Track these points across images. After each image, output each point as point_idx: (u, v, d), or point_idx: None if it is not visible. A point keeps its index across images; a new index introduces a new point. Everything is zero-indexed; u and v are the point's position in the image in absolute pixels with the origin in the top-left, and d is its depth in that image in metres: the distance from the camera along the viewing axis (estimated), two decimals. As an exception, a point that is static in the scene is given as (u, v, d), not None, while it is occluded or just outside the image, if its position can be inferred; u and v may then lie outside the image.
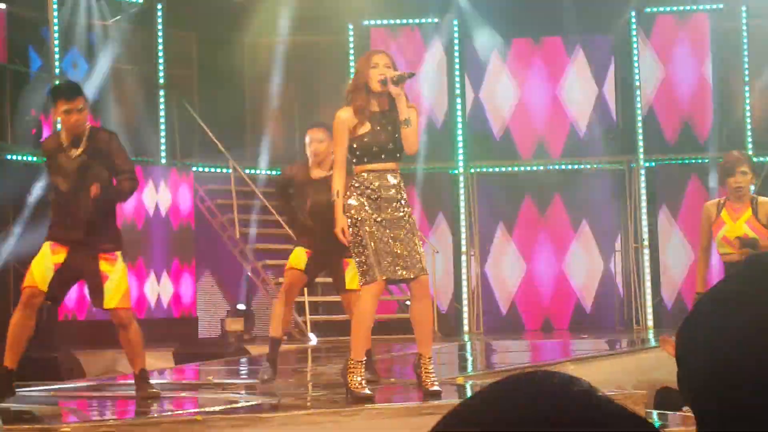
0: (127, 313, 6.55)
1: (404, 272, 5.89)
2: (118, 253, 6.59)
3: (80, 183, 6.49)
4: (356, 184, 5.94)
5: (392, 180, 5.96)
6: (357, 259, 5.91)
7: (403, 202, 5.98)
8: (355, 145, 5.94)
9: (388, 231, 5.89)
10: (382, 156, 5.94)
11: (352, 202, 5.91)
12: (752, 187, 7.31)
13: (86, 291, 6.68)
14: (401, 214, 5.94)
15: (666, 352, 7.92)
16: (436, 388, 6.00)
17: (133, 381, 6.70)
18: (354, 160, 6.01)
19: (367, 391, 5.90)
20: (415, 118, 5.96)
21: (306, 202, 7.32)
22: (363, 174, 5.95)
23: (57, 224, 6.53)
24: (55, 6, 13.49)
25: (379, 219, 5.89)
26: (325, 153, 7.26)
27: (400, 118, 5.90)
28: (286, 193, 7.59)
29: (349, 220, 5.91)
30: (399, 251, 5.87)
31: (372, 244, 5.84)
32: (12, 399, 6.34)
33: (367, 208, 5.88)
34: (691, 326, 1.13)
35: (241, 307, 13.49)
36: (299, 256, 7.31)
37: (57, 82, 12.17)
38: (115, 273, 6.52)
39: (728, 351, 1.07)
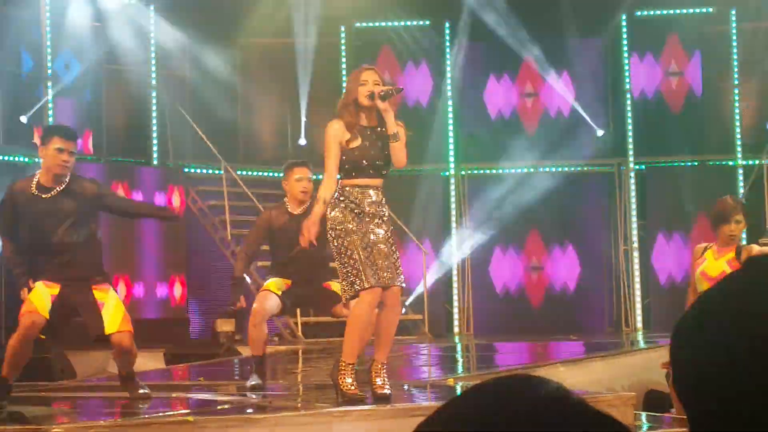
0: (131, 336, 6.49)
1: (389, 278, 5.92)
2: (109, 284, 6.62)
3: (62, 222, 6.45)
4: (340, 198, 5.98)
5: (374, 196, 6.00)
6: (344, 270, 5.91)
7: (385, 218, 6.03)
8: (344, 158, 5.98)
9: (371, 241, 5.91)
10: (371, 171, 5.99)
11: (337, 214, 5.95)
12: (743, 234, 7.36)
13: (85, 322, 6.53)
14: (383, 230, 5.97)
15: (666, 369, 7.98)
16: (386, 391, 6.01)
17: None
18: (341, 174, 6.05)
19: (358, 392, 5.94)
20: (402, 134, 6.01)
21: (290, 242, 7.01)
22: (347, 188, 5.98)
23: (45, 265, 6.46)
24: (47, 7, 13.49)
25: (360, 230, 5.91)
26: (311, 191, 7.29)
27: (388, 132, 5.96)
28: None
29: (333, 232, 5.95)
30: (380, 263, 5.90)
31: (358, 252, 5.87)
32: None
33: (350, 221, 5.91)
34: (687, 327, 1.14)
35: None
36: (277, 283, 7.23)
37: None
38: (110, 300, 6.52)
39: (723, 352, 1.07)
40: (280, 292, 7.20)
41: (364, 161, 5.97)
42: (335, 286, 7.18)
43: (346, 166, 5.99)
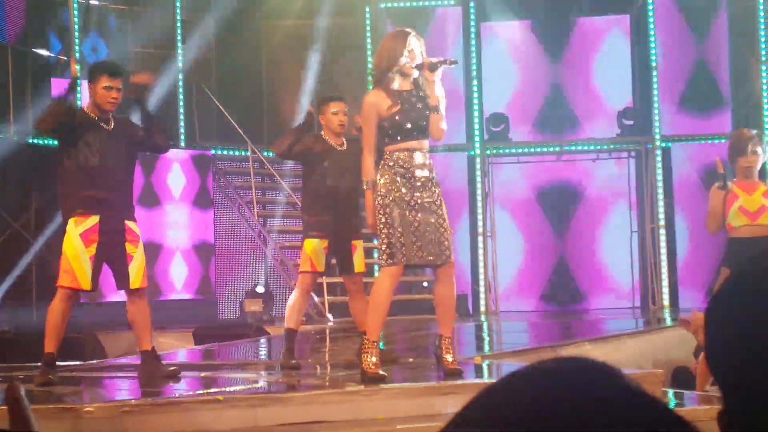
0: (144, 292, 6.77)
1: (432, 258, 5.87)
2: (139, 234, 6.79)
3: (110, 159, 6.64)
4: (390, 163, 5.88)
5: (423, 159, 5.93)
6: (384, 240, 5.84)
7: (434, 181, 5.95)
8: (386, 124, 5.89)
9: (419, 215, 5.85)
10: (415, 133, 5.91)
11: (386, 181, 5.86)
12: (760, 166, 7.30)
13: (113, 273, 6.79)
14: (432, 197, 5.89)
15: (684, 330, 7.97)
16: (458, 366, 5.99)
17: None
18: (386, 140, 5.93)
19: (380, 371, 5.88)
20: (442, 108, 5.95)
21: (328, 171, 7.15)
22: (396, 153, 5.89)
23: (83, 190, 6.57)
24: (73, -10, 13.56)
25: (410, 200, 5.85)
26: (347, 125, 7.35)
27: (431, 104, 5.89)
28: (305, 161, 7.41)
29: (381, 200, 5.86)
30: (428, 237, 5.84)
31: (401, 227, 5.81)
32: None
33: (400, 187, 5.84)
34: (723, 301, 1.12)
35: (260, 289, 13.58)
36: (318, 255, 7.16)
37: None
38: (138, 253, 6.72)
39: (761, 327, 1.06)
40: (323, 267, 7.23)
41: (408, 124, 5.88)
42: (359, 251, 7.23)
43: (390, 131, 5.89)
